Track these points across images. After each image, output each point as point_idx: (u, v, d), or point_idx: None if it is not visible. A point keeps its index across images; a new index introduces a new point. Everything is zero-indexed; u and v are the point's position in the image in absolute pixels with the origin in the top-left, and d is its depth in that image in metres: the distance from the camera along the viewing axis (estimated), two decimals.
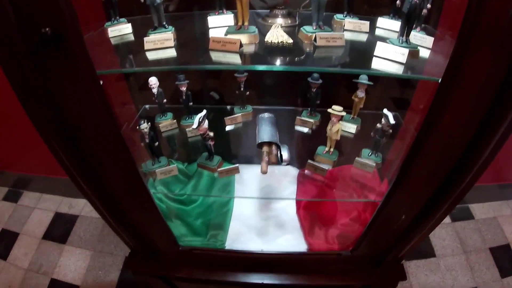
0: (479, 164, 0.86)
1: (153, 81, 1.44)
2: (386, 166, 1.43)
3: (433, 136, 0.84)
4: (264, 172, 1.14)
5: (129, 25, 1.15)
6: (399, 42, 1.01)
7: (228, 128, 1.60)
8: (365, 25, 1.16)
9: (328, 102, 1.30)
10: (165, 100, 1.53)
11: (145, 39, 1.02)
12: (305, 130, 1.57)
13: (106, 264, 2.24)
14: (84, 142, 0.90)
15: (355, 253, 1.40)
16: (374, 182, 1.43)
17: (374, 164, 1.36)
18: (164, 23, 1.10)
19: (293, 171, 1.79)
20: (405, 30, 1.00)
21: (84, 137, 0.89)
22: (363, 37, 1.15)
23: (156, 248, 1.42)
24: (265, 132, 1.28)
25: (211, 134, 1.31)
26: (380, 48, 0.97)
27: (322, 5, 1.05)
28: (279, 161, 1.23)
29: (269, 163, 1.17)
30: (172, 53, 1.04)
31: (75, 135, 0.87)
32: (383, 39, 1.03)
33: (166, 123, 1.57)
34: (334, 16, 1.23)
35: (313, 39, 1.04)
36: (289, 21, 1.19)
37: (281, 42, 1.04)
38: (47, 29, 0.64)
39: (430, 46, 1.04)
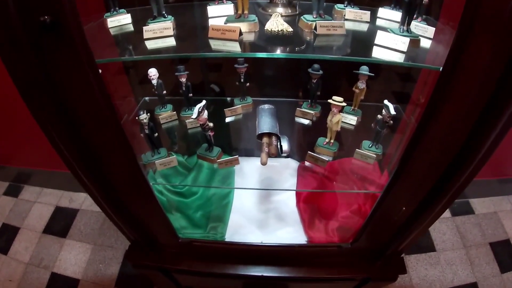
0: (480, 157, 0.86)
1: (153, 72, 1.43)
2: (386, 158, 1.43)
3: (433, 127, 0.84)
4: (264, 163, 1.13)
5: (129, 15, 1.15)
6: (400, 31, 1.00)
7: (228, 119, 1.59)
8: (366, 15, 1.15)
9: (329, 93, 1.29)
10: (164, 92, 1.52)
11: (144, 28, 1.02)
12: (306, 121, 1.57)
13: (107, 257, 2.25)
14: (84, 132, 0.89)
15: (355, 245, 1.40)
16: (374, 174, 1.43)
17: (375, 156, 1.36)
18: (164, 12, 1.09)
19: (293, 164, 1.79)
20: (406, 20, 0.99)
21: (84, 128, 0.88)
22: (364, 27, 1.15)
23: (156, 240, 1.42)
24: (265, 123, 1.28)
25: (211, 124, 1.31)
26: (381, 37, 0.97)
27: None
28: (279, 152, 1.22)
29: (269, 154, 1.17)
30: (171, 42, 1.03)
31: (75, 126, 0.87)
32: (384, 29, 1.02)
33: (166, 114, 1.56)
34: (335, 6, 1.22)
35: (313, 27, 1.04)
36: (290, 11, 1.19)
37: (281, 30, 1.03)
38: (46, 17, 0.64)
39: (432, 36, 1.04)
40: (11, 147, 2.57)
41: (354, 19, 1.16)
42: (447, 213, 2.48)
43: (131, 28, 1.14)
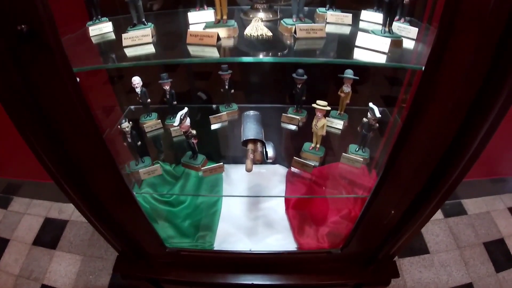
0: (469, 155, 0.85)
1: (136, 80, 1.42)
2: (374, 162, 1.41)
3: (418, 127, 0.83)
4: (249, 170, 1.12)
5: (110, 23, 1.14)
6: (381, 32, 0.99)
7: (213, 126, 1.58)
8: (347, 17, 1.14)
9: (315, 98, 1.28)
10: (149, 100, 1.51)
11: (123, 35, 1.01)
12: (292, 127, 1.55)
13: (97, 268, 2.22)
14: (65, 143, 0.89)
15: (345, 250, 1.39)
16: (363, 178, 1.41)
17: (362, 160, 1.35)
18: (143, 20, 1.08)
19: (281, 170, 1.77)
20: (388, 21, 0.98)
21: (65, 138, 0.88)
22: (346, 30, 1.14)
23: (143, 250, 1.40)
24: (250, 129, 1.27)
25: (194, 132, 1.29)
26: (362, 39, 0.95)
27: None
28: (264, 158, 1.21)
29: (255, 160, 1.16)
30: (150, 49, 1.02)
31: (56, 136, 0.86)
32: (366, 31, 1.01)
33: (151, 123, 1.55)
34: (317, 9, 1.21)
35: (293, 31, 1.02)
36: (271, 16, 1.17)
37: (260, 35, 1.02)
38: (23, 26, 0.64)
39: (415, 36, 1.03)
40: (0, 158, 2.53)
41: (335, 22, 1.15)
42: (439, 215, 2.48)
43: (112, 36, 1.13)
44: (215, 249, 1.56)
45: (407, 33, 1.03)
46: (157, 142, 1.61)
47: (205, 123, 1.57)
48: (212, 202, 1.74)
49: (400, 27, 1.05)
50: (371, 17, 1.17)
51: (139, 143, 1.34)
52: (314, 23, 1.08)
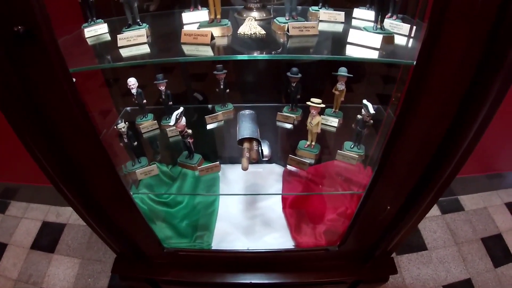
0: (463, 149, 0.85)
1: (132, 81, 1.43)
2: (369, 159, 1.42)
3: (412, 120, 0.83)
4: (244, 169, 1.12)
5: (105, 25, 1.14)
6: (373, 29, 1.00)
7: (209, 126, 1.58)
8: (340, 15, 1.15)
9: (310, 97, 1.29)
10: (145, 101, 1.51)
11: (118, 36, 1.01)
12: (288, 125, 1.56)
13: (95, 271, 2.21)
14: (62, 143, 0.89)
15: (342, 248, 1.39)
16: (358, 175, 1.42)
17: (357, 156, 1.36)
18: (138, 20, 1.09)
19: (278, 169, 1.78)
20: (379, 17, 0.99)
21: (62, 139, 0.88)
22: (339, 27, 1.15)
23: (141, 251, 1.40)
24: (246, 128, 1.28)
25: (189, 131, 1.30)
26: (354, 35, 0.96)
27: None
28: (260, 157, 1.22)
29: (250, 159, 1.16)
30: (145, 49, 1.02)
31: (53, 138, 0.86)
32: (359, 28, 1.02)
33: (147, 124, 1.55)
34: (310, 8, 1.22)
35: (286, 29, 1.03)
36: (264, 15, 1.19)
37: (254, 33, 1.03)
38: (19, 27, 0.64)
39: (407, 33, 1.04)
40: None
41: (328, 20, 1.16)
42: (437, 211, 2.48)
43: (107, 37, 1.14)
44: (213, 248, 1.56)
45: (399, 29, 1.05)
46: (154, 142, 1.62)
47: (201, 123, 1.58)
48: (209, 202, 1.74)
49: (392, 23, 1.06)
50: (364, 15, 1.18)
51: (135, 143, 1.35)
52: (307, 21, 1.09)
